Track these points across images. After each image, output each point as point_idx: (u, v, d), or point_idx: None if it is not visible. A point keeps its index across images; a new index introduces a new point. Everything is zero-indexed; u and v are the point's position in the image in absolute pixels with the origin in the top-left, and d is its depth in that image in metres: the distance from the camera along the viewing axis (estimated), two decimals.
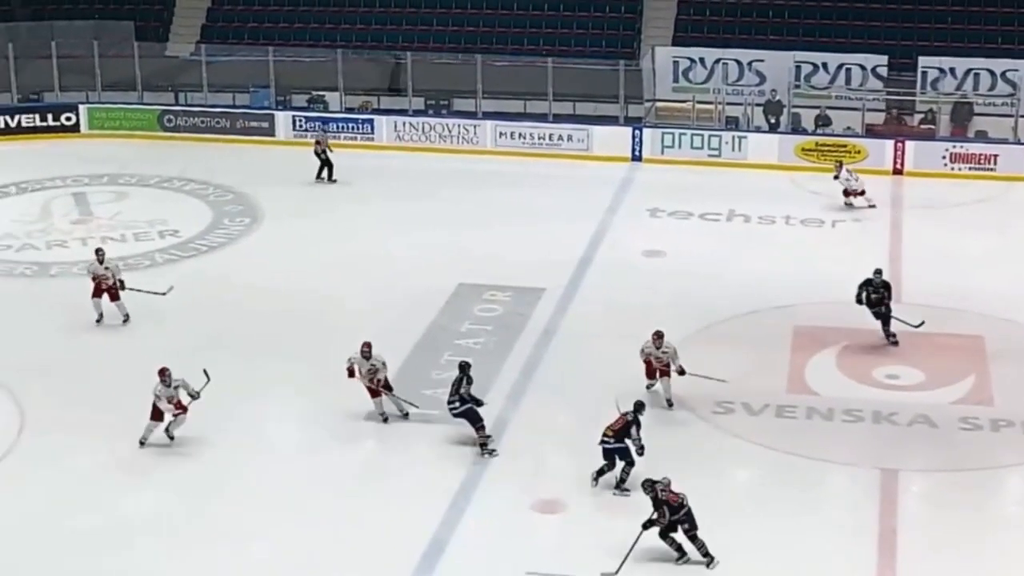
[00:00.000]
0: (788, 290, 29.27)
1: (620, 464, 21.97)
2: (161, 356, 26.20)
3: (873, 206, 34.18)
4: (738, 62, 39.98)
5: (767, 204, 34.64)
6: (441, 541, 20.66)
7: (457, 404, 23.40)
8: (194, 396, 23.18)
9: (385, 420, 24.04)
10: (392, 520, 21.17)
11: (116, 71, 40.99)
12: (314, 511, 21.46)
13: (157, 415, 23.16)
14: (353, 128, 39.54)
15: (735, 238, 32.85)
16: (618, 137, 38.10)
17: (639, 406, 22.15)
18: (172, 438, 23.27)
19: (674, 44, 41.70)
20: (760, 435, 23.70)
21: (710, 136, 37.87)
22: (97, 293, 27.92)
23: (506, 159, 38.18)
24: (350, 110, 40.26)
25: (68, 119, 40.53)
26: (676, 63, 40.47)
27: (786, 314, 28.18)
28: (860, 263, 28.38)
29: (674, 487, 20.06)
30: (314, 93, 41.06)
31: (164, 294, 28.20)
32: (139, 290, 27.97)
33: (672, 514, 20.00)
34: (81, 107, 40.62)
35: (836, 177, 34.38)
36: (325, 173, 36.58)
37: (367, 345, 23.81)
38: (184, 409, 23.12)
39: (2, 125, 40.28)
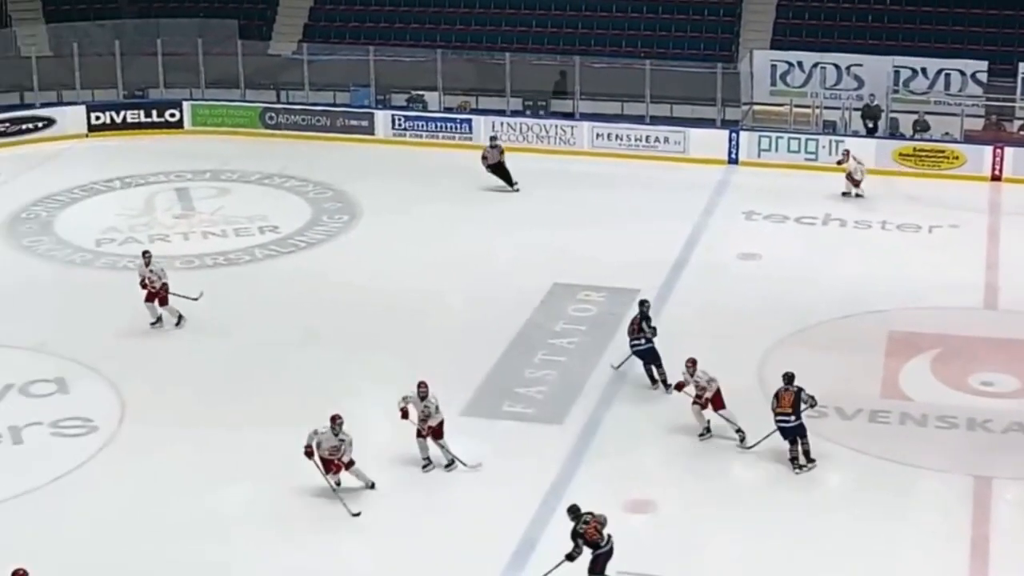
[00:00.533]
0: (883, 295, 29.04)
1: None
2: (258, 352, 26.62)
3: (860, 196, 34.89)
4: (836, 66, 39.71)
5: (863, 209, 34.38)
6: (532, 539, 20.70)
7: (642, 342, 24.67)
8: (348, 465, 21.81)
9: (426, 467, 22.57)
10: (483, 517, 21.26)
11: (220, 69, 41.39)
12: (407, 506, 21.61)
13: (328, 467, 21.66)
14: (451, 128, 39.66)
15: (831, 242, 32.64)
16: (715, 140, 37.96)
17: (790, 378, 22.34)
18: (338, 484, 21.84)
19: (772, 47, 41.50)
20: (853, 439, 23.55)
21: (807, 140, 37.64)
22: (150, 297, 27.73)
23: (602, 160, 38.12)
24: (448, 110, 40.39)
25: (172, 115, 40.96)
26: (774, 66, 40.25)
27: (881, 319, 27.97)
28: (956, 269, 28.13)
29: (761, 492, 19.86)
30: (413, 92, 41.21)
31: (196, 299, 27.88)
32: (174, 293, 27.79)
33: (591, 548, 19.35)
34: (185, 104, 41.03)
35: (840, 163, 34.91)
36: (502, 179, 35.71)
37: (423, 384, 22.53)
38: (339, 468, 21.59)
39: (108, 121, 40.74)
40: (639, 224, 33.07)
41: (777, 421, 22.27)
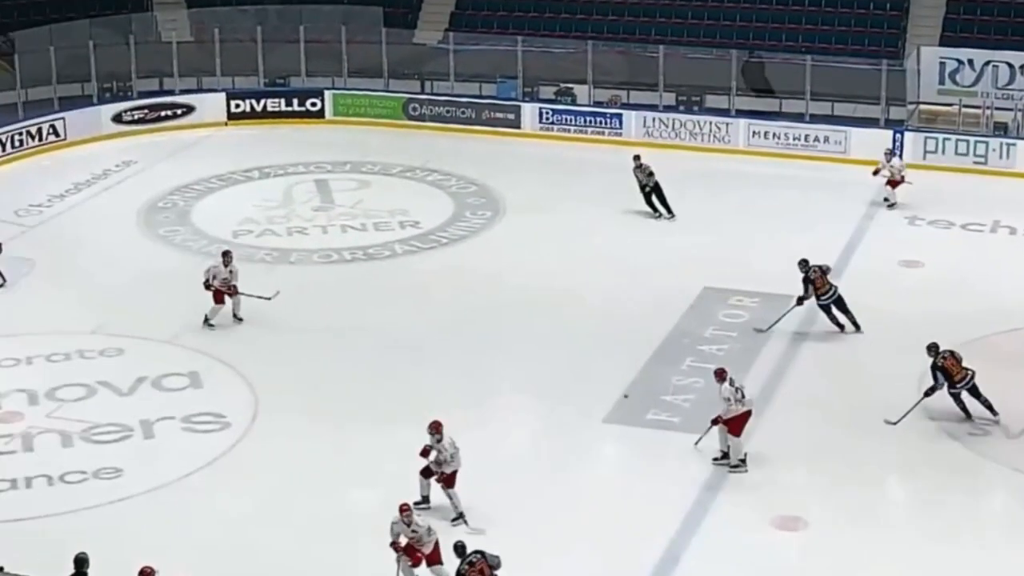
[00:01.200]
0: None
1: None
2: (396, 349, 26.78)
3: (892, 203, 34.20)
4: (1009, 65, 38.92)
5: None
6: (675, 554, 20.59)
7: (830, 293, 26.85)
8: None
9: (424, 503, 21.63)
10: (626, 530, 21.16)
11: (363, 57, 41.71)
12: (547, 514, 21.56)
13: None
14: (601, 123, 39.59)
15: (999, 251, 32.05)
16: (878, 140, 37.40)
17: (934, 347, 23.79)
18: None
19: (941, 44, 40.79)
20: (1018, 459, 23.10)
21: (976, 142, 37.03)
22: (219, 298, 27.85)
23: (759, 159, 37.81)
24: (598, 104, 40.30)
25: (313, 104, 41.36)
26: (943, 64, 39.54)
27: None
28: None
29: (917, 513, 19.58)
30: (562, 85, 41.17)
31: (270, 298, 28.15)
32: (248, 294, 28.00)
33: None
34: (327, 93, 41.40)
35: (877, 172, 34.53)
36: (658, 203, 33.78)
37: (436, 426, 21.47)
38: (420, 560, 19.86)
39: (248, 109, 41.26)
40: (795, 227, 32.73)
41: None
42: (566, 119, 39.80)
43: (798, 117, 38.81)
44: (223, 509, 21.83)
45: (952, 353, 23.73)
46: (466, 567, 18.62)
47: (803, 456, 23.32)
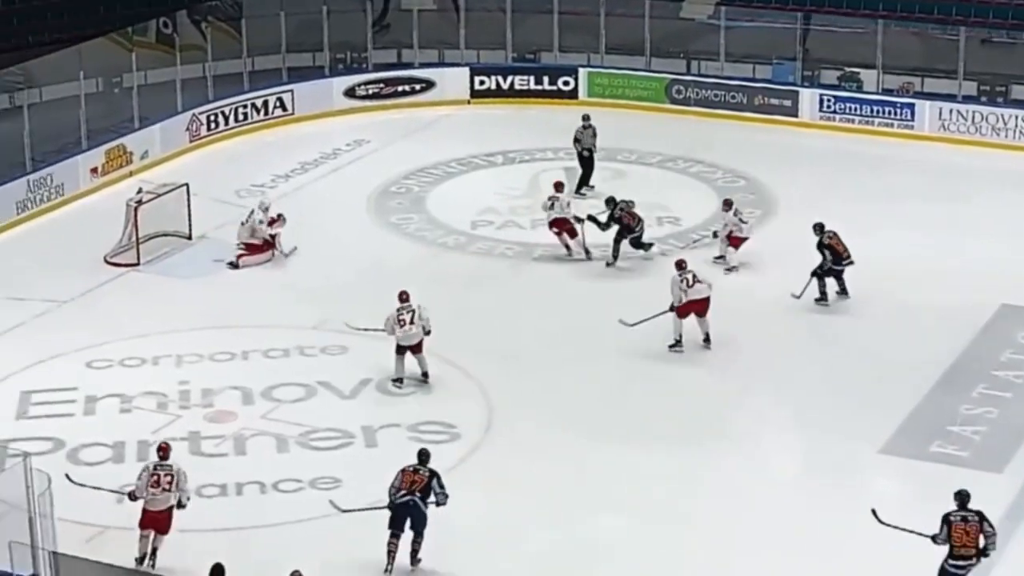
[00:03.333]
0: None
1: None
2: (645, 360, 26.82)
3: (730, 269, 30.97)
4: None
5: None
6: None
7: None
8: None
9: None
10: (904, 573, 20.91)
11: (623, 32, 41.78)
12: (803, 554, 21.41)
13: None
14: (890, 113, 39.11)
15: None
16: None
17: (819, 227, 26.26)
18: None
19: None
20: None
21: None
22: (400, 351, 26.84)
23: None
24: (888, 92, 39.81)
25: (566, 83, 41.58)
26: None
27: None
28: None
29: None
30: (847, 70, 40.80)
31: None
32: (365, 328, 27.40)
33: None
34: (581, 71, 41.57)
35: (715, 236, 31.72)
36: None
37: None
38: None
39: (493, 86, 41.63)
40: None
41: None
42: (850, 108, 39.42)
43: None
44: (448, 528, 22.05)
45: (835, 234, 28.62)
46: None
47: None
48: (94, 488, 21.98)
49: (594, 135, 35.31)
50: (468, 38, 42.09)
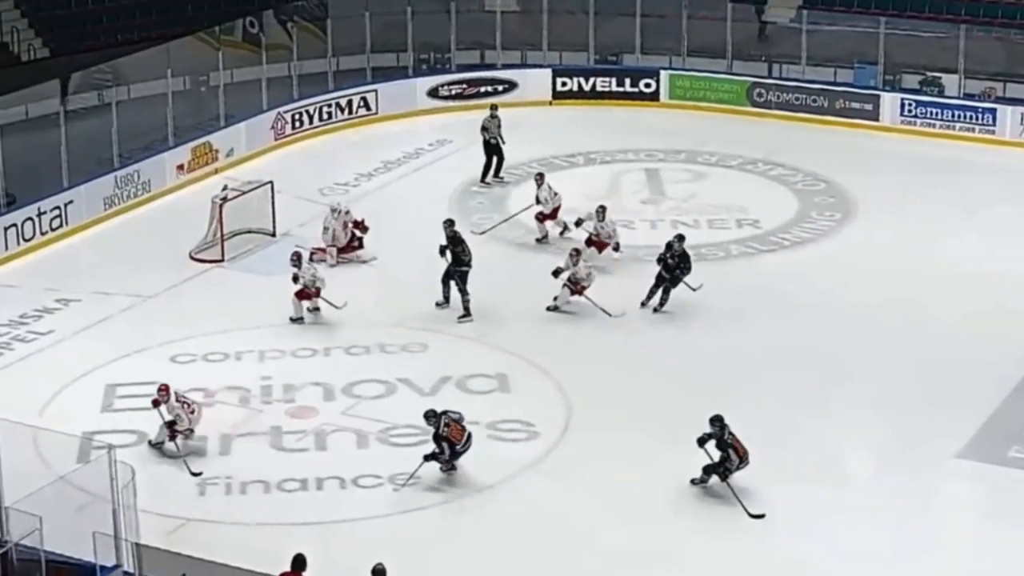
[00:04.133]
0: None
1: None
2: (720, 362, 26.76)
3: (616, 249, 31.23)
4: None
5: None
6: None
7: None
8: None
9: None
10: None
11: (705, 35, 41.69)
12: (887, 560, 21.28)
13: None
14: (971, 118, 38.84)
15: None
16: None
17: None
18: None
19: None
20: None
21: None
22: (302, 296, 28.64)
23: None
24: (970, 96, 39.55)
25: (647, 85, 41.53)
26: None
27: None
28: None
29: None
30: (928, 74, 40.55)
31: (339, 307, 28.51)
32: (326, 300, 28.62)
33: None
34: (662, 73, 41.51)
35: (578, 224, 31.83)
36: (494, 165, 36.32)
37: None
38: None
39: (575, 88, 41.65)
40: None
41: None
42: (932, 112, 39.17)
43: None
44: (524, 527, 22.07)
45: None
46: (444, 428, 22.78)
47: None
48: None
49: (499, 125, 35.89)
50: (550, 40, 42.13)
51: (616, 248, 30.97)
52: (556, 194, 32.21)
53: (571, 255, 29.15)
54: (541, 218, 32.36)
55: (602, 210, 31.00)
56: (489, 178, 35.89)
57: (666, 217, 33.71)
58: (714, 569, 21.10)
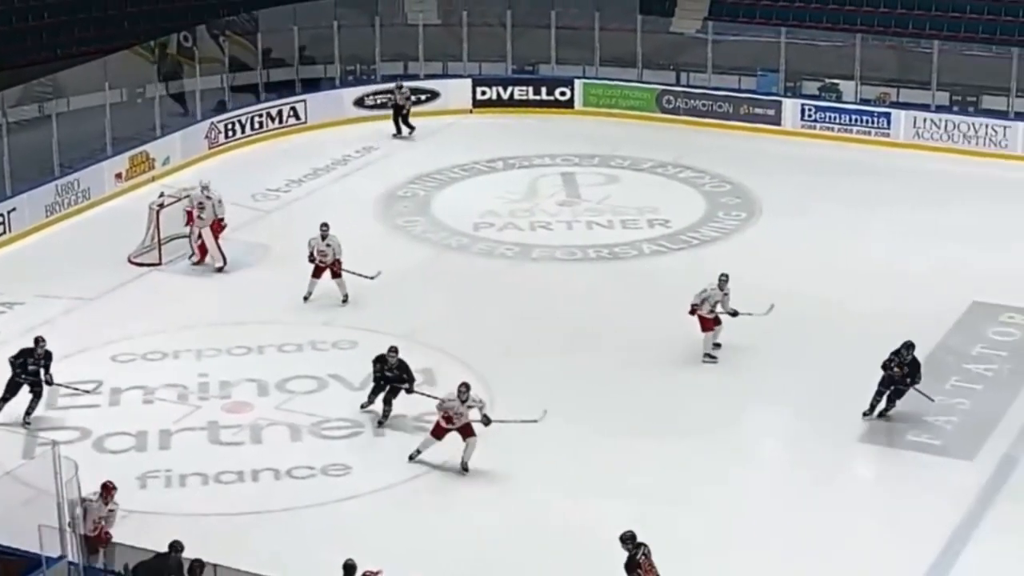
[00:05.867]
0: None
1: None
2: (639, 355, 26.79)
3: None
4: None
5: None
6: None
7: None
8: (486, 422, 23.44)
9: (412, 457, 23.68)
10: (879, 556, 20.90)
11: (616, 46, 41.70)
12: (793, 538, 21.40)
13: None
14: (868, 122, 39.07)
15: None
16: None
17: None
18: None
19: None
20: None
21: None
22: (317, 273, 28.85)
23: None
24: (865, 101, 39.77)
25: (563, 94, 41.53)
26: None
27: None
28: None
29: None
30: (827, 81, 40.73)
31: (372, 278, 28.78)
32: (351, 272, 28.82)
33: None
34: (577, 82, 41.54)
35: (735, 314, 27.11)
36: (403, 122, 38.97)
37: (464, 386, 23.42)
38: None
39: (494, 96, 41.60)
40: None
41: None
42: (830, 117, 39.37)
43: None
44: (455, 514, 22.06)
45: None
46: (642, 557, 19.32)
47: None
48: None
49: (407, 97, 39.08)
50: (470, 51, 42.06)
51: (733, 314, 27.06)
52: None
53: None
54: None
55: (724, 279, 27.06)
56: (405, 131, 38.57)
57: (581, 218, 33.77)
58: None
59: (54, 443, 19.20)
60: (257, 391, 25.85)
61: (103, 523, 20.03)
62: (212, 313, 28.86)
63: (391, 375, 24.59)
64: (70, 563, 18.81)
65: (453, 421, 23.14)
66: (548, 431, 24.02)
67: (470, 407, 23.08)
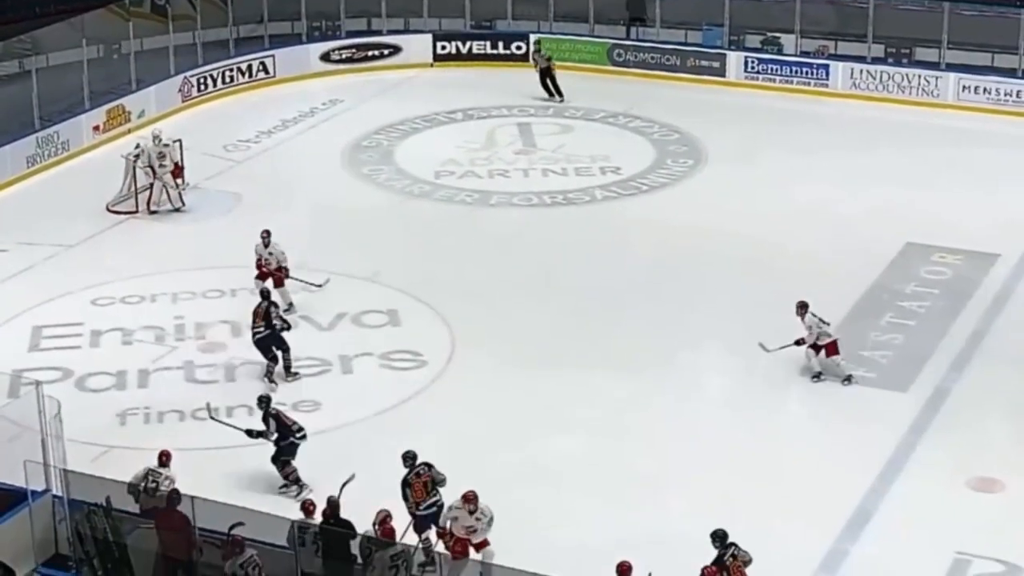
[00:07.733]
0: None
1: None
2: (592, 297, 26.82)
3: None
4: None
5: None
6: (867, 511, 20.38)
7: (262, 329, 23.77)
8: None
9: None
10: (817, 485, 20.97)
11: (570, 2, 41.56)
12: (736, 468, 21.45)
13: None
14: (807, 73, 39.02)
15: None
16: None
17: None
18: None
19: None
20: None
21: None
22: (261, 276, 26.22)
23: (967, 115, 36.88)
24: (805, 54, 39.70)
25: (519, 48, 41.34)
26: None
27: None
28: None
29: None
30: (769, 34, 40.63)
31: (320, 286, 26.71)
32: (298, 279, 26.48)
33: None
34: (532, 36, 41.28)
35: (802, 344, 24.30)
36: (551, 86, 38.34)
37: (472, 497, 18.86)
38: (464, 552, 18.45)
39: (453, 51, 41.40)
40: (1005, 185, 31.97)
41: None
42: (772, 69, 39.31)
43: (1010, 72, 37.82)
44: (416, 448, 22.00)
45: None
46: (413, 477, 19.21)
47: (1004, 416, 22.90)
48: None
49: (548, 59, 38.57)
50: (431, 7, 41.78)
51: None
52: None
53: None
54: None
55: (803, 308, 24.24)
56: (556, 97, 38.23)
57: (537, 166, 33.72)
58: (594, 484, 21.15)
59: (37, 383, 19.11)
60: (231, 332, 25.74)
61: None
62: (187, 258, 28.74)
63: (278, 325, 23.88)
64: (54, 496, 18.78)
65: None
66: (502, 368, 24.13)
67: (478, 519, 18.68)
